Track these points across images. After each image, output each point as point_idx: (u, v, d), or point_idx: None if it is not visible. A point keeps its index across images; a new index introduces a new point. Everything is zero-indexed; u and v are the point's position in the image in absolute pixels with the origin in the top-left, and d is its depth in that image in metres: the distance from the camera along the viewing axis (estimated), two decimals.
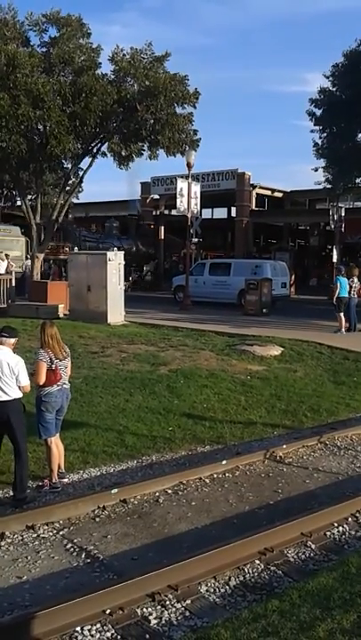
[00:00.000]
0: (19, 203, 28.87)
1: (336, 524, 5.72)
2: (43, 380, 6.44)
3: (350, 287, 16.48)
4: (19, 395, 6.23)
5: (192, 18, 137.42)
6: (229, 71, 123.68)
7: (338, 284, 16.44)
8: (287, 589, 4.60)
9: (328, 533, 5.59)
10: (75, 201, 30.42)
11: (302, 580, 4.72)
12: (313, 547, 5.34)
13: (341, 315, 16.27)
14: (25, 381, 6.23)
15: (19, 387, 6.20)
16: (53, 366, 6.48)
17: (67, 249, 29.73)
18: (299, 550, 5.27)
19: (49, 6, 26.43)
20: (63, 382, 6.63)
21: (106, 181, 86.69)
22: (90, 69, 21.98)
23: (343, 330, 16.19)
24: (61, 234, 31.61)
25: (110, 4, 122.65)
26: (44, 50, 22.56)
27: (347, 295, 16.50)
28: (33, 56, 21.40)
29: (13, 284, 19.19)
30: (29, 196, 26.74)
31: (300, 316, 18.88)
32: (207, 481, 6.91)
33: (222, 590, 4.64)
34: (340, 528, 5.69)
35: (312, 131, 26.16)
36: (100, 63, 22.75)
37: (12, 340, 6.35)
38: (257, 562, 5.01)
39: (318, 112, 25.72)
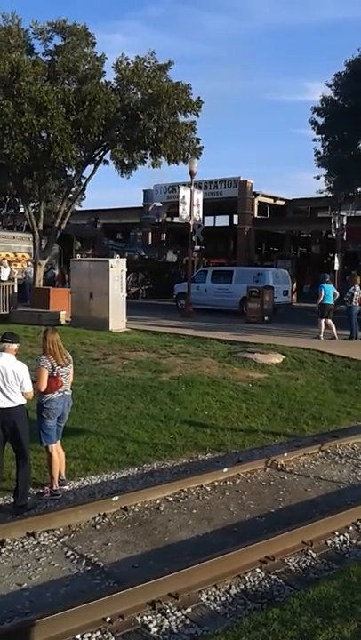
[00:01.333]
0: (22, 210, 28.97)
1: (337, 533, 5.71)
2: (44, 386, 6.45)
3: (352, 295, 16.49)
4: (23, 401, 6.25)
5: (194, 27, 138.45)
6: (232, 80, 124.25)
7: (322, 292, 16.56)
8: (288, 598, 4.59)
9: (329, 542, 5.58)
10: (78, 208, 30.52)
11: (303, 588, 4.71)
12: (314, 555, 5.33)
13: (323, 321, 16.33)
14: (29, 388, 6.24)
15: (22, 393, 6.22)
16: (55, 373, 6.50)
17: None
18: (300, 559, 5.26)
19: (50, 15, 26.63)
20: (65, 389, 6.64)
21: (109, 189, 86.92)
22: (94, 78, 22.12)
23: (322, 336, 16.24)
24: (92, 243, 32.45)
25: (112, 12, 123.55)
26: (49, 58, 22.70)
27: (331, 302, 16.61)
28: (37, 64, 21.53)
29: (15, 290, 19.22)
30: (32, 204, 26.84)
31: (302, 323, 18.87)
32: (208, 489, 6.90)
33: (223, 599, 4.63)
34: (342, 537, 5.68)
35: (314, 139, 26.31)
36: (105, 72, 22.91)
37: (15, 346, 6.37)
38: (258, 570, 5.00)
39: (321, 121, 25.85)
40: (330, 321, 16.37)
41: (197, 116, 22.88)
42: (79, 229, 32.97)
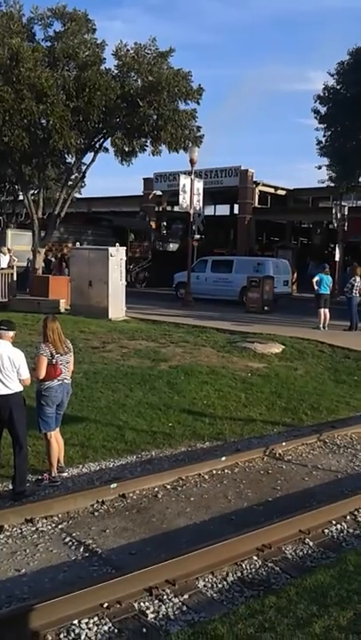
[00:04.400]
0: (21, 197, 28.87)
1: (334, 522, 5.73)
2: (43, 374, 6.45)
3: (352, 286, 16.48)
4: (20, 388, 6.24)
5: (194, 15, 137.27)
6: (232, 69, 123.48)
7: (315, 280, 16.59)
8: (285, 586, 4.62)
9: (326, 531, 5.60)
10: (77, 196, 30.43)
11: (300, 576, 4.74)
12: (311, 544, 5.35)
13: (321, 310, 16.34)
14: (25, 374, 6.24)
15: (19, 380, 6.21)
16: (54, 361, 6.49)
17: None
18: (297, 547, 5.28)
19: (50, 1, 26.44)
20: (64, 377, 6.64)
21: (110, 177, 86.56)
22: (94, 64, 21.94)
23: (322, 326, 16.24)
24: (143, 235, 33.75)
25: None
26: (49, 44, 22.51)
27: (327, 292, 16.63)
28: (37, 50, 21.34)
29: (15, 278, 19.18)
30: (32, 191, 26.72)
31: (302, 313, 18.86)
32: (206, 477, 6.92)
33: (220, 586, 4.66)
34: (339, 526, 5.70)
35: (316, 129, 26.12)
36: (105, 58, 22.73)
37: (11, 333, 6.36)
38: (255, 558, 5.03)
39: (323, 110, 25.67)
40: (327, 310, 16.38)
41: (198, 103, 22.75)
42: (131, 222, 33.96)
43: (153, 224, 37.60)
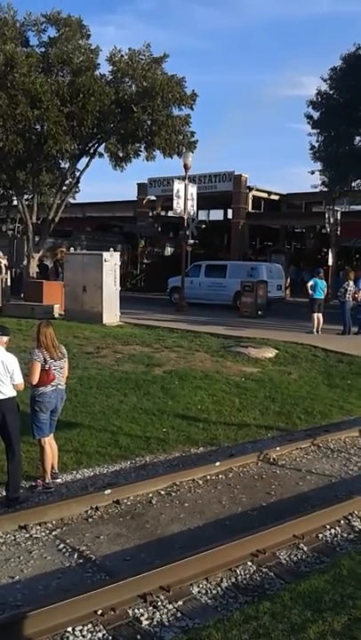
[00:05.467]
0: (15, 202, 28.88)
1: (328, 527, 5.74)
2: (36, 379, 6.44)
3: (345, 290, 16.55)
4: (13, 393, 6.22)
5: (187, 21, 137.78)
6: (225, 74, 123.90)
7: (309, 284, 16.66)
8: (279, 591, 4.61)
9: (320, 536, 5.60)
10: (71, 201, 30.47)
11: (294, 581, 4.73)
12: (305, 549, 5.35)
13: (314, 315, 16.40)
14: (19, 379, 6.22)
15: (13, 385, 6.19)
16: (47, 366, 6.48)
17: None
18: (291, 552, 5.28)
19: (45, 6, 26.48)
20: (58, 383, 6.62)
21: (104, 182, 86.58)
22: (88, 70, 22.00)
23: (315, 330, 16.29)
24: (153, 241, 34.95)
25: (104, 5, 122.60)
26: (43, 50, 22.57)
27: (322, 297, 16.68)
28: (31, 56, 21.41)
29: (9, 283, 19.15)
30: (26, 196, 26.73)
31: (295, 318, 18.90)
32: (200, 482, 6.92)
33: (214, 591, 4.65)
34: (333, 530, 5.71)
35: (309, 134, 26.26)
36: (99, 64, 22.81)
37: (5, 339, 6.34)
38: (249, 563, 5.02)
39: (316, 115, 25.80)
40: (320, 315, 16.45)
41: (192, 109, 22.88)
42: (142, 229, 34.84)
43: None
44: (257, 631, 4.01)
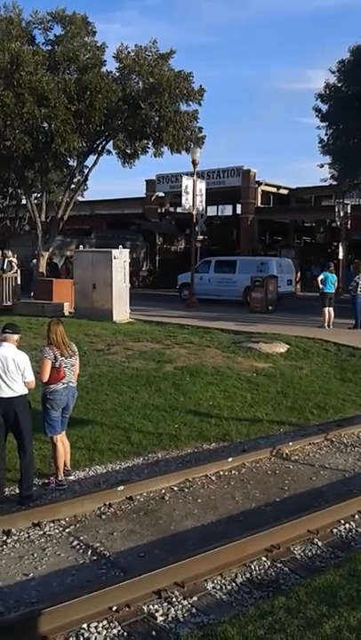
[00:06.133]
0: (24, 201, 28.98)
1: (343, 522, 5.70)
2: (47, 377, 6.44)
3: (356, 284, 16.44)
4: (25, 391, 6.23)
5: (193, 16, 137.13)
6: (232, 69, 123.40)
7: (319, 278, 16.57)
8: (294, 586, 4.59)
9: (335, 530, 5.57)
10: (80, 199, 30.52)
11: (309, 576, 4.71)
12: (320, 544, 5.32)
13: (325, 309, 16.31)
14: (30, 377, 6.23)
15: (24, 382, 6.20)
16: (57, 364, 6.48)
17: None
18: (305, 547, 5.25)
19: (51, 5, 26.52)
20: (69, 380, 6.62)
21: (113, 179, 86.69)
22: (95, 67, 21.97)
23: (326, 324, 16.19)
24: (171, 237, 35.61)
25: (110, 2, 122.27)
26: (49, 48, 22.56)
27: (332, 291, 16.60)
28: (37, 54, 21.39)
29: (19, 282, 19.20)
30: (34, 195, 26.77)
31: (306, 312, 18.81)
32: (213, 478, 6.90)
33: (229, 587, 4.63)
34: (347, 525, 5.67)
35: (318, 127, 26.08)
36: (105, 61, 22.76)
37: (16, 337, 6.35)
38: (263, 559, 5.00)
39: (325, 108, 25.62)
40: (331, 309, 16.36)
41: (200, 104, 22.77)
42: (159, 226, 35.35)
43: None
44: (273, 626, 3.99)
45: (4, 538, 5.38)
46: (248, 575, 4.80)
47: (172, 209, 39.85)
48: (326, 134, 25.79)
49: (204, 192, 22.83)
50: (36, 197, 26.52)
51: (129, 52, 22.43)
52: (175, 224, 36.70)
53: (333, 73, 25.27)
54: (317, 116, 25.83)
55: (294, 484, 6.87)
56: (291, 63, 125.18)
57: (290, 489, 6.72)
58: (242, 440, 8.40)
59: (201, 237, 24.61)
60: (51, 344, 6.56)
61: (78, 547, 5.31)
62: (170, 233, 35.38)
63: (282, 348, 13.35)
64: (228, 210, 43.42)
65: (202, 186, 22.68)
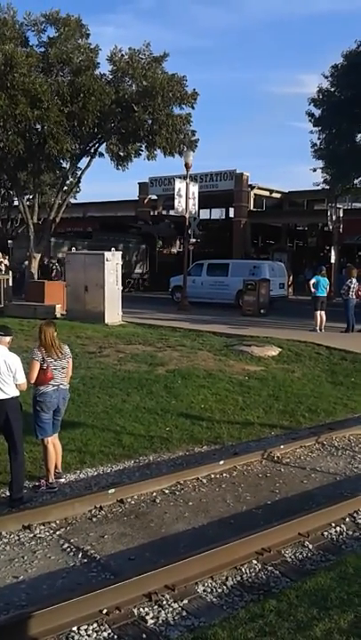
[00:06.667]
0: (16, 203, 28.92)
1: (334, 525, 5.71)
2: (34, 378, 6.42)
3: (348, 288, 16.51)
4: (16, 393, 6.21)
5: (186, 20, 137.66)
6: (226, 73, 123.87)
7: (311, 282, 16.62)
8: (284, 589, 4.59)
9: (326, 533, 5.58)
10: (73, 201, 30.49)
11: (300, 579, 4.71)
12: (310, 547, 5.33)
13: (317, 313, 16.35)
14: (22, 379, 6.20)
15: (16, 384, 6.18)
16: (45, 365, 6.44)
17: None
18: (296, 550, 5.26)
19: (44, 7, 26.51)
20: (60, 383, 6.59)
21: (105, 181, 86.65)
22: (88, 69, 22.00)
23: (318, 328, 16.25)
24: (170, 240, 35.68)
25: (104, 5, 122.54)
26: (43, 50, 22.56)
27: (324, 294, 16.65)
28: (30, 56, 21.40)
29: (10, 283, 19.15)
30: (27, 196, 26.74)
31: (298, 316, 18.87)
32: (204, 481, 6.89)
33: (219, 590, 4.63)
34: (338, 528, 5.68)
35: (311, 131, 26.22)
36: (99, 63, 22.80)
37: (7, 339, 6.32)
38: (254, 562, 5.00)
39: (317, 112, 25.76)
40: (323, 313, 16.41)
41: (193, 108, 22.87)
42: (159, 230, 35.51)
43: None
44: (263, 629, 3.98)
45: None
46: (239, 578, 4.80)
47: (164, 212, 39.88)
48: (319, 138, 25.95)
49: (196, 195, 22.87)
50: (28, 199, 26.50)
51: (122, 55, 22.48)
52: (174, 227, 36.82)
53: (327, 78, 25.44)
54: (310, 120, 25.99)
55: (285, 486, 6.88)
56: (285, 68, 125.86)
57: (281, 492, 6.73)
58: (233, 443, 8.40)
59: (194, 240, 24.61)
60: (40, 346, 6.54)
61: (69, 549, 5.29)
62: (169, 236, 35.50)
63: (274, 351, 13.38)
64: (220, 213, 43.49)
65: (195, 189, 22.72)
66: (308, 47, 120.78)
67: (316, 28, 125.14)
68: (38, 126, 21.49)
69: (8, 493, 6.25)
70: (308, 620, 4.08)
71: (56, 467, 6.76)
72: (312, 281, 16.75)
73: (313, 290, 16.54)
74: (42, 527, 5.61)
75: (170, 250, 35.36)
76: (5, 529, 5.51)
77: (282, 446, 7.98)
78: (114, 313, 16.97)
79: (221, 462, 7.27)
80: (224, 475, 7.11)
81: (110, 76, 22.77)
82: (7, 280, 19.03)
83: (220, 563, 4.87)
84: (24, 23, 22.64)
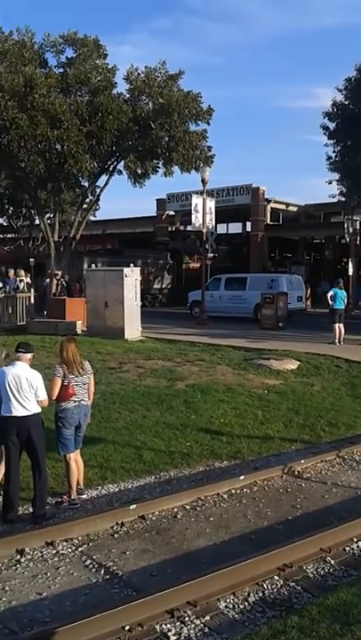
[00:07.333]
0: (37, 221, 29.35)
1: (355, 540, 5.68)
2: (55, 394, 6.50)
3: None
4: (38, 409, 6.30)
5: (200, 37, 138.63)
6: (240, 88, 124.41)
7: (329, 294, 16.57)
8: (306, 605, 4.58)
9: (347, 549, 5.55)
10: (92, 218, 30.85)
11: (322, 595, 4.70)
12: (332, 562, 5.30)
13: (336, 325, 16.28)
14: (43, 395, 6.30)
15: (37, 401, 6.27)
16: (66, 382, 6.53)
17: None
18: (318, 566, 5.24)
19: (62, 28, 27.02)
20: (81, 399, 6.66)
21: (123, 199, 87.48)
22: (106, 89, 22.37)
23: (337, 341, 16.17)
24: (195, 256, 35.51)
25: (120, 25, 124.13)
26: (61, 70, 23.00)
27: (342, 307, 16.59)
28: (50, 77, 21.83)
29: (32, 301, 19.39)
30: (47, 215, 27.13)
31: (317, 329, 18.80)
32: (225, 496, 6.90)
33: (241, 606, 4.63)
34: (360, 543, 5.65)
35: (326, 144, 26.30)
36: (116, 83, 23.17)
37: (29, 355, 6.43)
38: (276, 578, 5.00)
39: (332, 125, 25.85)
40: (341, 325, 16.34)
41: (208, 124, 23.10)
42: (185, 245, 36.29)
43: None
44: None
45: (18, 557, 5.41)
46: (261, 594, 4.80)
47: (182, 227, 40.10)
48: (334, 151, 26.03)
49: (213, 210, 23.01)
50: (49, 217, 26.85)
51: (139, 74, 22.83)
52: (199, 243, 37.22)
53: (340, 91, 25.55)
54: (325, 133, 26.09)
55: (306, 502, 6.86)
56: (298, 82, 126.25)
57: (302, 507, 6.71)
58: (253, 458, 8.40)
59: (211, 255, 24.70)
60: (62, 362, 6.64)
61: (91, 566, 5.33)
62: (195, 252, 35.92)
63: (293, 364, 13.35)
64: (237, 228, 43.57)
65: (211, 204, 22.87)
66: (322, 61, 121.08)
67: (328, 41, 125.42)
68: (58, 146, 21.86)
69: (31, 510, 6.32)
70: (330, 636, 4.07)
71: (78, 483, 6.82)
72: (330, 293, 16.72)
73: (331, 302, 16.51)
74: (64, 543, 5.67)
75: (195, 265, 35.69)
76: (29, 545, 5.57)
77: (302, 461, 7.96)
78: (133, 328, 17.07)
79: (242, 477, 7.28)
80: (245, 490, 7.11)
81: (127, 95, 23.13)
82: (29, 297, 19.27)
83: (241, 579, 4.87)
84: (43, 44, 23.13)
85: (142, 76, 22.80)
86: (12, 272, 20.97)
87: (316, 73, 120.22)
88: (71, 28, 23.12)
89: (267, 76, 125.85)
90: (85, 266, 27.11)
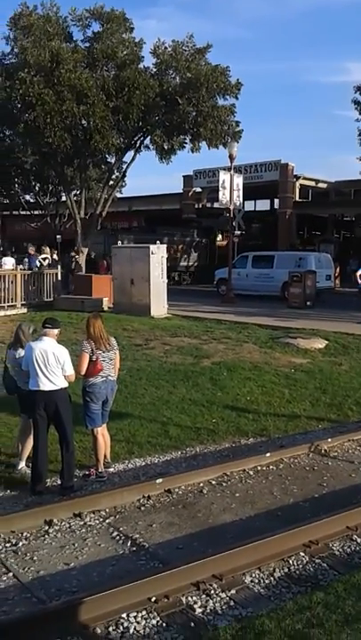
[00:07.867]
0: (64, 198, 29.38)
1: None
2: (83, 370, 6.55)
3: None
4: (65, 384, 6.35)
5: (228, 11, 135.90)
6: (269, 63, 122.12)
7: (358, 273, 16.30)
8: (332, 582, 4.57)
9: None
10: (118, 195, 30.76)
11: (348, 573, 4.69)
12: (358, 540, 5.28)
13: None
14: (70, 370, 6.34)
15: (64, 376, 6.32)
16: (94, 357, 6.56)
17: None
18: (344, 544, 5.22)
19: (87, 2, 26.70)
20: (108, 374, 6.71)
21: (150, 175, 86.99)
22: (132, 63, 22.09)
23: None
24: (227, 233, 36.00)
25: None
26: (87, 45, 22.78)
27: None
28: (76, 52, 21.64)
29: (59, 277, 19.51)
30: (74, 192, 27.12)
31: (345, 308, 18.55)
32: (251, 473, 6.91)
33: (267, 581, 4.65)
34: None
35: (357, 120, 25.69)
36: (143, 57, 22.87)
37: (56, 331, 6.48)
38: (302, 554, 4.99)
39: None
40: None
41: (237, 98, 22.71)
42: (218, 223, 35.47)
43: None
44: (310, 621, 3.99)
45: (46, 527, 5.50)
46: (286, 570, 4.80)
47: (208, 204, 39.74)
48: None
49: (241, 187, 22.72)
50: (75, 194, 26.84)
51: (166, 48, 22.48)
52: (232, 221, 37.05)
53: None
54: (357, 108, 25.46)
55: (333, 480, 6.82)
56: (330, 56, 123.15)
57: (328, 485, 6.68)
58: (280, 436, 8.38)
59: (238, 233, 24.45)
60: (89, 338, 6.67)
61: (118, 537, 5.40)
62: (226, 229, 35.84)
63: (320, 343, 13.22)
64: (265, 204, 43.01)
65: (239, 180, 22.57)
66: (354, 35, 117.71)
67: (359, 13, 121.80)
68: (84, 122, 21.73)
69: (59, 482, 6.41)
70: (356, 613, 4.06)
71: (105, 456, 6.90)
72: (359, 272, 16.46)
73: (359, 281, 16.25)
74: (92, 515, 5.74)
75: (224, 243, 35.56)
76: (57, 516, 5.65)
77: (329, 439, 7.90)
78: (159, 306, 17.08)
79: (268, 454, 7.27)
80: (271, 467, 7.10)
81: (154, 70, 22.81)
82: (56, 274, 19.39)
83: (267, 554, 4.88)
84: (68, 18, 22.90)
85: (169, 49, 22.44)
86: (32, 249, 20.98)
87: (349, 47, 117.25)
88: (97, 1, 22.61)
89: (297, 51, 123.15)
90: (119, 243, 27.20)
